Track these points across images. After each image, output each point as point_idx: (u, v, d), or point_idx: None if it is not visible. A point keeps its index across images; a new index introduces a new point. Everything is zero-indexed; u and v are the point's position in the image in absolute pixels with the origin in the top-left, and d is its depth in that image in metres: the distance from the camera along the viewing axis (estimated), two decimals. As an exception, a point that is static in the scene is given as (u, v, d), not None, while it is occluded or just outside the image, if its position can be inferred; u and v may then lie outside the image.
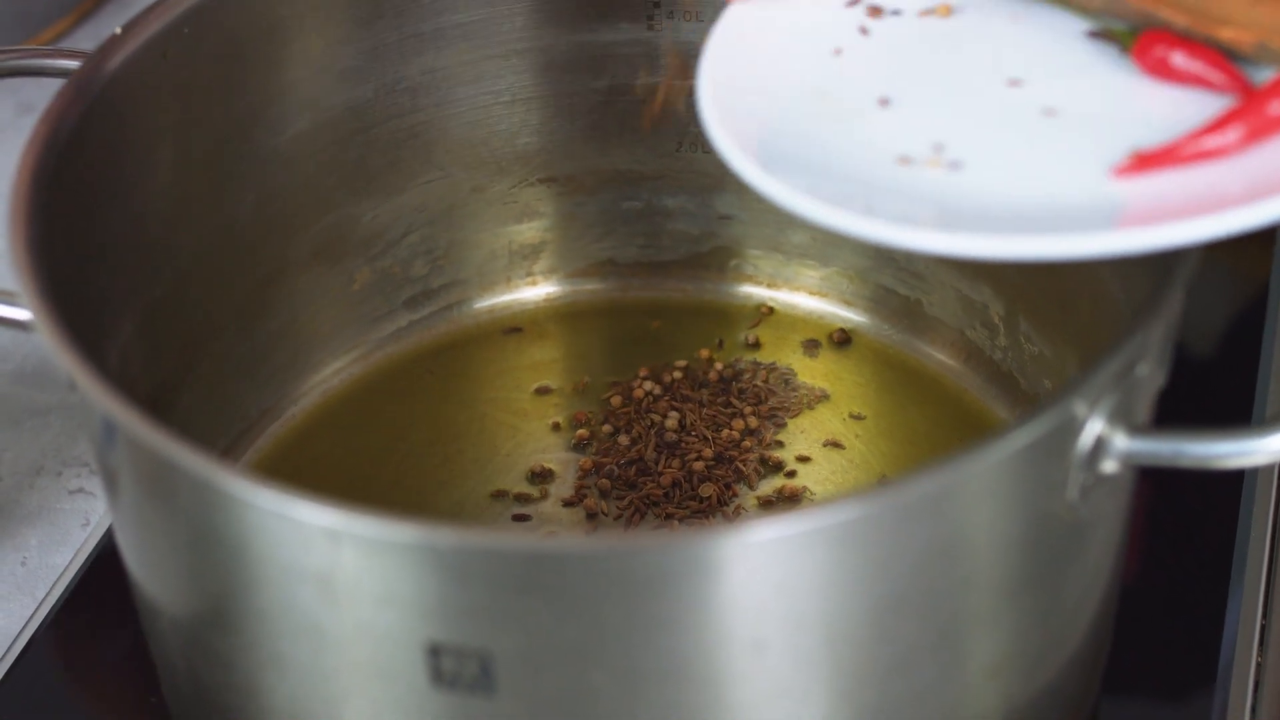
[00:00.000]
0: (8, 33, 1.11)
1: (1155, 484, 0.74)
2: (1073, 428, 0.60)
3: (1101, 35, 0.69)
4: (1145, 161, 0.63)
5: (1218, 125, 0.63)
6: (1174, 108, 0.65)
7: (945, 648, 0.62)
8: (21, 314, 0.68)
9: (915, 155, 0.65)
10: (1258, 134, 0.63)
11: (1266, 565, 0.79)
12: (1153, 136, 0.64)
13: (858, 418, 0.85)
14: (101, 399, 0.60)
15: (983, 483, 0.59)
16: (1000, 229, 0.61)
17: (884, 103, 0.68)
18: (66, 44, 1.13)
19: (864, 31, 0.71)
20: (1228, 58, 0.66)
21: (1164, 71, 0.66)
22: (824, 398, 0.86)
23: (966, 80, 0.68)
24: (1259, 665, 0.75)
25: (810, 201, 0.62)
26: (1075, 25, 0.70)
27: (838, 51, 0.70)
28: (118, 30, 0.75)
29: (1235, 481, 0.82)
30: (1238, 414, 0.85)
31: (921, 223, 0.61)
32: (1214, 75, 0.65)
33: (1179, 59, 0.66)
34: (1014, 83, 0.68)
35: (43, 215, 0.67)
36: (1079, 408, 0.59)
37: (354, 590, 0.58)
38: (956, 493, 0.58)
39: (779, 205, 0.63)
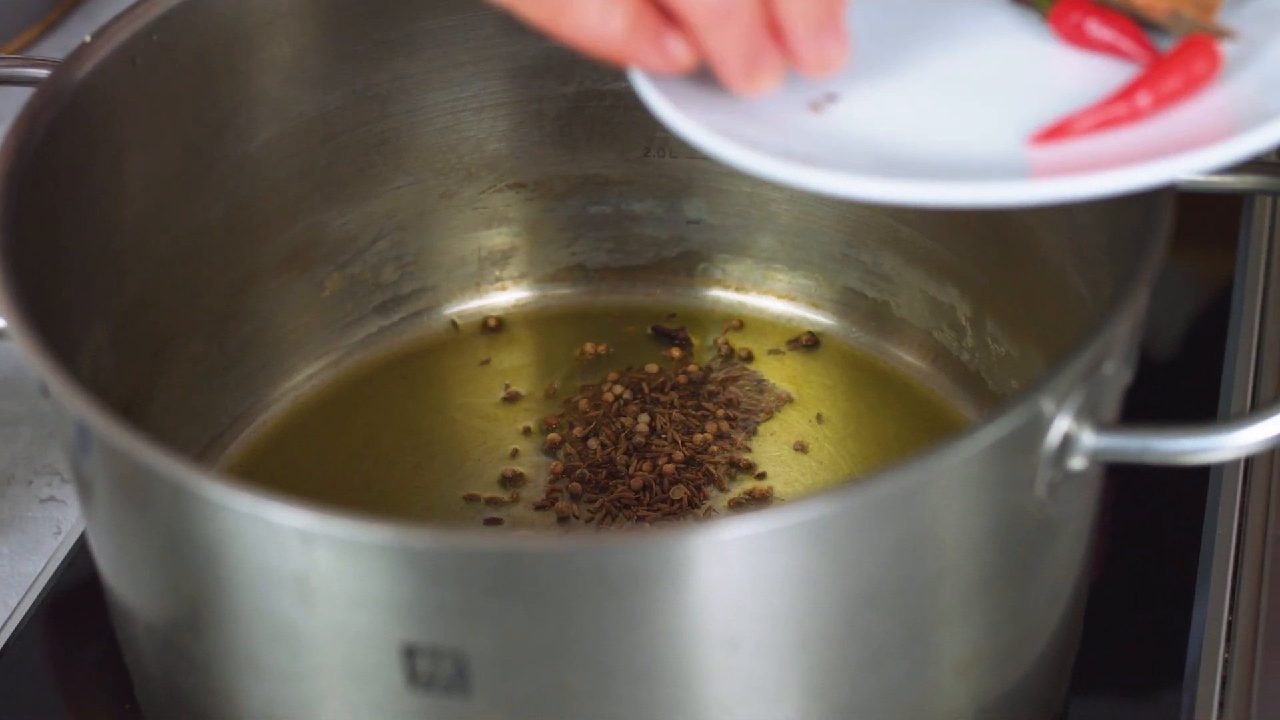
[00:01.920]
0: (-25, 43, 1.11)
1: (1122, 481, 0.75)
2: (1040, 425, 0.60)
3: (1022, 1, 0.70)
4: (1054, 133, 0.64)
5: (1123, 95, 0.64)
6: (1086, 74, 0.67)
7: (916, 645, 0.62)
8: (-7, 322, 0.68)
9: (825, 103, 0.66)
10: (1161, 102, 0.64)
11: (1233, 562, 0.79)
12: (1062, 100, 0.65)
13: (826, 420, 0.86)
14: (76, 404, 0.60)
15: (952, 480, 0.59)
16: (902, 175, 0.62)
17: None
18: (35, 53, 1.13)
19: None
20: (1140, 27, 0.67)
21: (1079, 38, 0.68)
22: (792, 401, 0.87)
23: (887, 38, 0.69)
24: (1226, 662, 0.76)
25: (723, 143, 0.64)
26: None
27: None
28: (87, 38, 0.75)
29: (1201, 478, 0.82)
30: (1203, 411, 0.85)
31: (823, 165, 0.63)
32: (1125, 44, 0.67)
33: (1093, 26, 0.68)
34: (933, 43, 0.69)
35: (13, 223, 0.67)
36: (1046, 405, 0.60)
37: (329, 592, 0.58)
38: (926, 490, 0.59)
39: (698, 147, 0.64)
